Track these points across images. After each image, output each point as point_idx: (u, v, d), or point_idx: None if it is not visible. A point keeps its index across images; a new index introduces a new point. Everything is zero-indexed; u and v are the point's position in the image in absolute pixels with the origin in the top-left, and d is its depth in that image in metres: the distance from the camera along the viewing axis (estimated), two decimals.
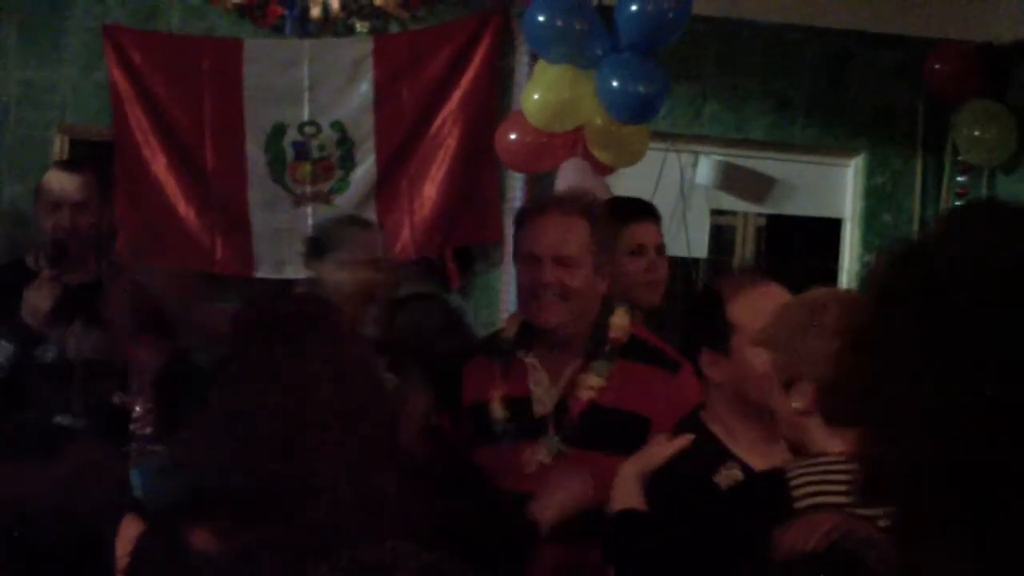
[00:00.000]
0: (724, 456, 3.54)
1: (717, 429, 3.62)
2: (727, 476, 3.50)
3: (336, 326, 3.41)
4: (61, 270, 5.66)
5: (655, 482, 3.51)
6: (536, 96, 6.02)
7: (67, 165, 6.31)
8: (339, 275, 5.56)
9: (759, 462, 3.47)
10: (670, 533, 2.83)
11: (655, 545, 2.96)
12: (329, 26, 7.15)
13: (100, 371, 5.73)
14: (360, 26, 7.19)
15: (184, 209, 7.09)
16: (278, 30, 7.15)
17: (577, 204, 4.39)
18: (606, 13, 5.89)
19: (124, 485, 3.62)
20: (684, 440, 3.63)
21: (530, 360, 4.33)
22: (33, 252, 5.89)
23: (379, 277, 5.67)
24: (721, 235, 8.13)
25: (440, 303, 6.48)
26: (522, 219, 4.49)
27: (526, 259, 4.35)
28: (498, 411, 4.31)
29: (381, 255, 5.71)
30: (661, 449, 3.61)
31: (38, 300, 5.55)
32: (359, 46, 7.16)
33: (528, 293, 4.34)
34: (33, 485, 3.35)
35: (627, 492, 3.51)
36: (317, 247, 5.72)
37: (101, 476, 3.53)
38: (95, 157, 6.94)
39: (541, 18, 5.92)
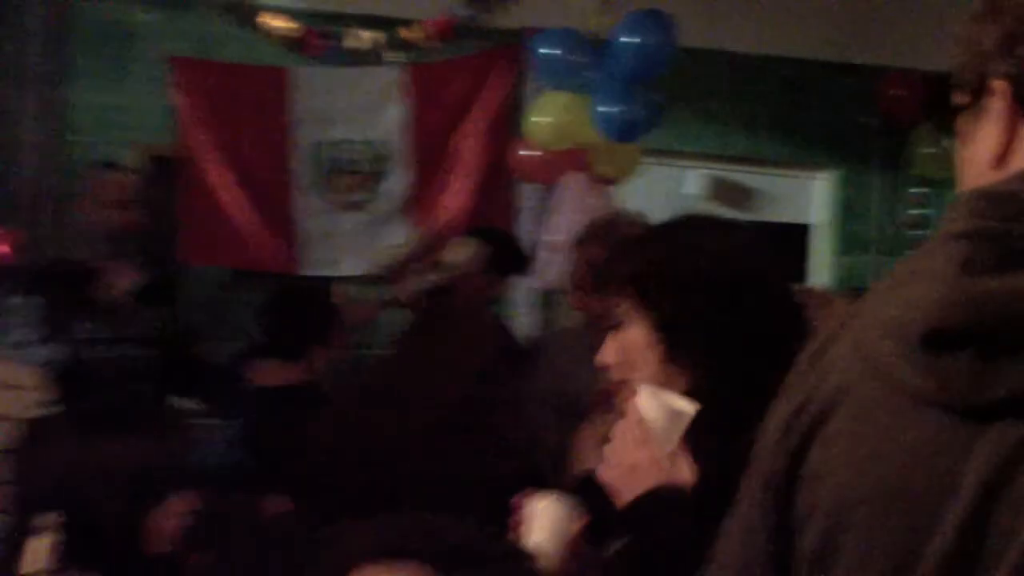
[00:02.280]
0: None
1: None
2: None
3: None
4: (128, 258, 5.83)
5: None
6: (535, 119, 6.21)
7: (113, 166, 6.41)
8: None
9: None
10: None
11: None
12: (364, 56, 7.29)
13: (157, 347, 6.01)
14: (392, 56, 7.32)
15: (238, 216, 7.25)
16: (320, 59, 7.29)
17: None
18: (601, 46, 6.01)
19: (186, 457, 3.59)
20: None
21: None
22: (84, 246, 6.02)
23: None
24: None
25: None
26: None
27: None
28: None
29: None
30: None
31: (117, 280, 5.74)
32: (391, 74, 7.29)
33: None
34: (101, 460, 3.28)
35: None
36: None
37: (166, 449, 3.45)
38: (161, 171, 7.18)
39: (544, 50, 6.12)
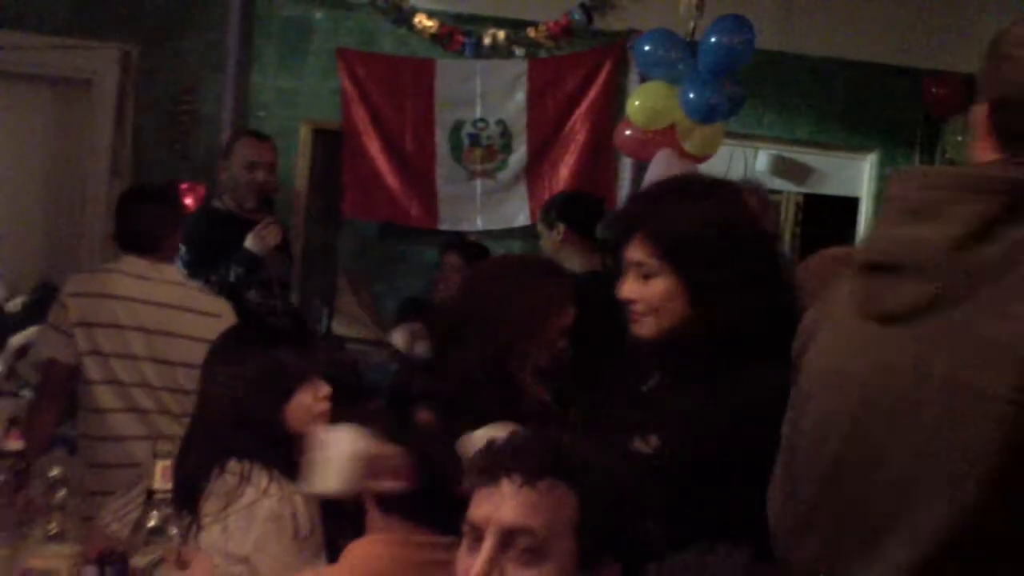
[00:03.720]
0: None
1: None
2: None
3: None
4: (273, 215, 5.87)
5: None
6: (637, 103, 6.29)
7: (258, 134, 6.40)
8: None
9: None
10: None
11: None
12: (497, 51, 7.42)
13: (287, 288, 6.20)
14: (519, 51, 7.45)
15: (391, 180, 7.42)
16: (460, 53, 7.42)
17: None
18: (692, 45, 6.12)
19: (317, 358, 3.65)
20: None
21: None
22: (225, 197, 6.05)
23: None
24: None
25: None
26: None
27: None
28: None
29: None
30: None
31: (268, 236, 5.76)
32: (518, 66, 7.45)
33: None
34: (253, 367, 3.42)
35: None
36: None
37: (297, 353, 3.53)
38: (330, 143, 7.39)
39: (644, 48, 6.22)
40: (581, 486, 2.12)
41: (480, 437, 2.71)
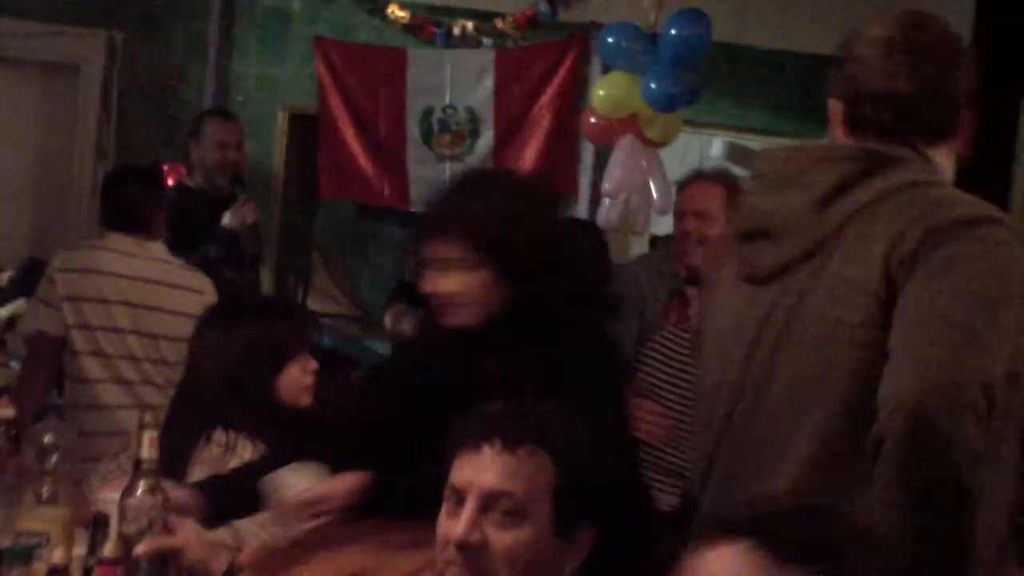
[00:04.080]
0: None
1: None
2: None
3: None
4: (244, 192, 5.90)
5: None
6: (599, 93, 6.38)
7: (225, 113, 6.47)
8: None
9: None
10: None
11: None
12: (466, 41, 7.42)
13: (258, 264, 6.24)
14: (486, 41, 7.47)
15: (364, 163, 7.45)
16: (431, 43, 7.44)
17: (718, 176, 4.31)
18: (653, 37, 6.16)
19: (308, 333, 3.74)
20: None
21: (692, 292, 4.10)
22: (196, 175, 6.06)
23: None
24: None
25: None
26: (679, 186, 4.41)
27: (677, 215, 4.25)
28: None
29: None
30: None
31: (245, 216, 5.80)
32: (486, 56, 7.44)
33: (679, 240, 4.20)
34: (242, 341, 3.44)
35: None
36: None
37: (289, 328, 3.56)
38: (307, 127, 7.42)
39: (610, 40, 6.27)
40: (559, 454, 2.18)
41: (286, 478, 2.77)
